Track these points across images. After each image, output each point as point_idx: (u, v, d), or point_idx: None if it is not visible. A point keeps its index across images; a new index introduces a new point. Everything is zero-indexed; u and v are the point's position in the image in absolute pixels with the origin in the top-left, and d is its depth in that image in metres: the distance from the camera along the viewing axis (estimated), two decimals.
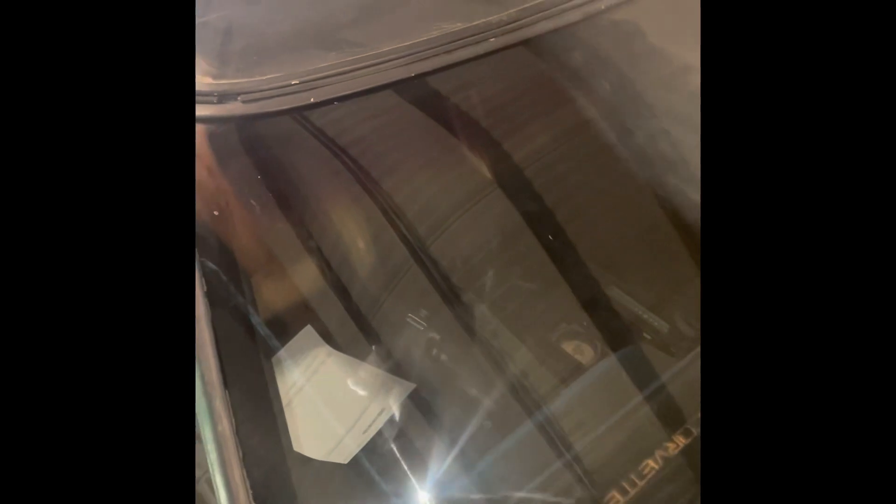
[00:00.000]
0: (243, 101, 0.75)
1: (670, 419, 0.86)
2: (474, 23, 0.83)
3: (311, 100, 0.76)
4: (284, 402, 0.72)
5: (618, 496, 0.79)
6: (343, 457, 0.76)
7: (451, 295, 0.91)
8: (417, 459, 0.82)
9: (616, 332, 0.96)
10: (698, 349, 0.95)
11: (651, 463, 0.82)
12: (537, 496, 0.84)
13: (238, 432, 0.65)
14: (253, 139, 0.79)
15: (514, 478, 0.86)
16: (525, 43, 0.87)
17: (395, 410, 0.83)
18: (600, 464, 0.84)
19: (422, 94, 0.85)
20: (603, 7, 0.87)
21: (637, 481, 0.79)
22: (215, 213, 0.73)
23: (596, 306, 0.96)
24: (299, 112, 0.76)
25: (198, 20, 0.82)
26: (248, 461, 0.65)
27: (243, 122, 0.77)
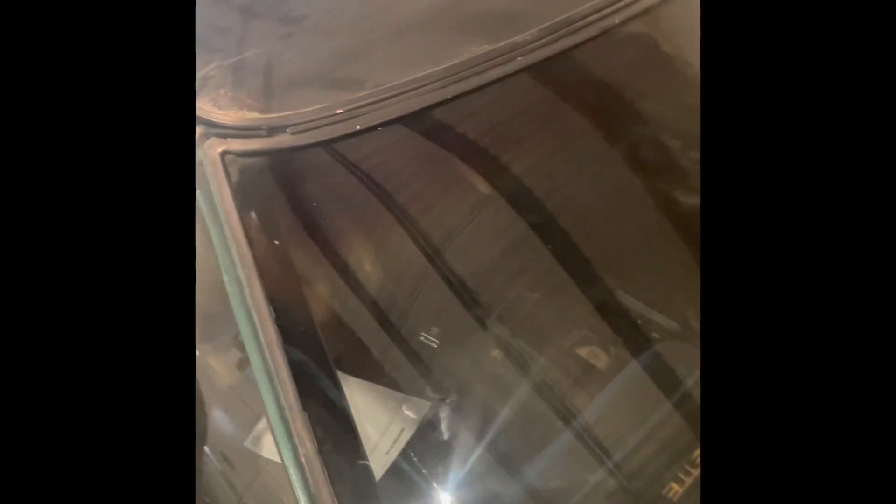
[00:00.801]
0: (292, 133, 0.77)
1: None
2: (501, 43, 0.86)
3: (357, 127, 0.78)
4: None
5: (675, 486, 0.82)
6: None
7: (470, 302, 0.93)
8: (459, 467, 0.85)
9: (629, 335, 1.00)
10: None
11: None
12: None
13: (321, 452, 0.67)
14: (292, 173, 0.82)
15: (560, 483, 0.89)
16: (535, 66, 0.90)
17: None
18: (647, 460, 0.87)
19: (437, 120, 0.89)
20: (618, 21, 0.91)
21: (691, 470, 0.83)
22: (276, 242, 0.75)
23: (606, 310, 0.99)
24: (345, 140, 0.79)
25: (235, 58, 0.85)
26: (332, 477, 0.67)
27: (284, 155, 0.80)
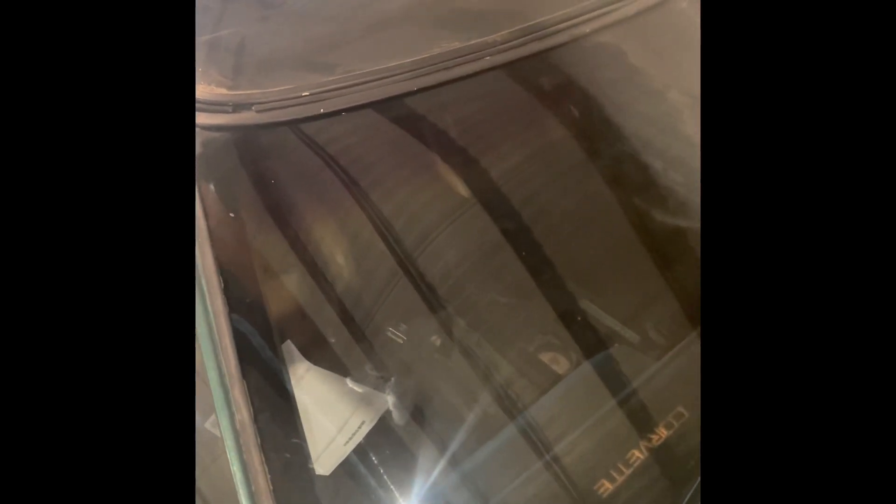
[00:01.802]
0: (257, 111, 0.79)
1: (653, 412, 0.92)
2: (471, 42, 0.89)
3: (321, 110, 0.80)
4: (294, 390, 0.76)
5: (607, 484, 0.84)
6: (327, 466, 0.79)
7: (437, 306, 0.95)
8: (409, 460, 0.86)
9: (590, 344, 1.02)
10: (674, 351, 1.01)
11: (636, 453, 0.87)
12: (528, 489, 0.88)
13: (256, 420, 0.69)
14: (256, 149, 0.84)
15: (498, 478, 0.90)
16: (505, 66, 0.93)
17: (390, 415, 0.87)
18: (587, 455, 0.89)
19: (409, 111, 0.91)
20: (588, 31, 0.94)
21: (624, 469, 0.85)
22: (231, 214, 0.77)
23: (571, 319, 1.01)
24: (309, 122, 0.81)
25: (211, 35, 0.87)
26: (266, 447, 0.68)
27: (250, 132, 0.82)
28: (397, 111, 0.88)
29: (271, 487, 0.67)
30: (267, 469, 0.68)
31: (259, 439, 0.68)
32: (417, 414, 0.88)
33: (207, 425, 0.87)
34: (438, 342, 0.93)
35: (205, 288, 0.72)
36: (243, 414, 0.68)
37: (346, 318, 0.89)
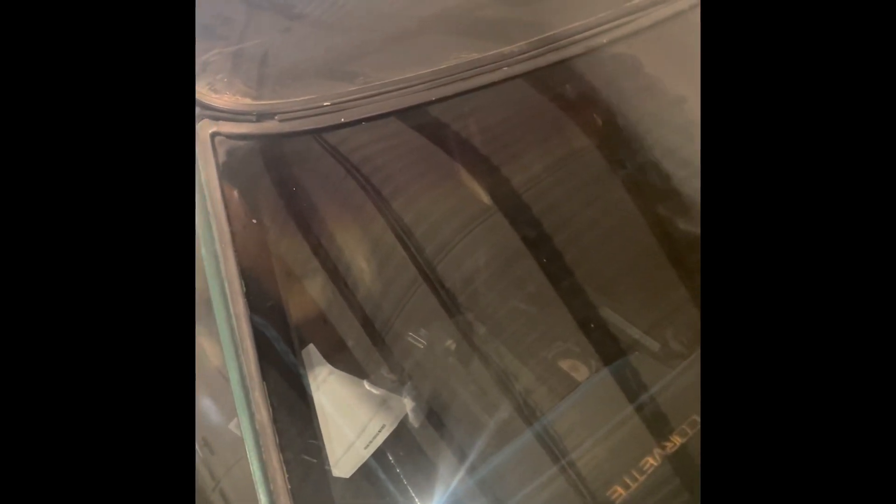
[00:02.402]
0: (280, 120, 0.82)
1: (669, 420, 0.92)
2: (488, 53, 0.91)
3: (342, 119, 0.83)
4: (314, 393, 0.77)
5: (620, 490, 0.84)
6: (346, 470, 0.81)
7: (457, 314, 0.97)
8: (427, 464, 0.87)
9: (610, 352, 1.02)
10: (689, 359, 1.02)
11: (650, 460, 0.88)
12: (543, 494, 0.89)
13: (276, 420, 0.71)
14: (279, 158, 0.86)
15: (513, 483, 0.91)
16: (524, 76, 0.94)
17: (408, 420, 0.88)
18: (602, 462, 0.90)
19: (430, 120, 0.93)
20: (605, 41, 0.95)
21: (638, 476, 0.85)
22: (254, 220, 0.79)
23: (591, 328, 1.02)
24: (331, 131, 0.83)
25: (235, 47, 0.90)
26: (285, 447, 0.70)
27: (274, 141, 0.84)
28: (418, 120, 0.90)
29: (289, 487, 0.69)
30: (285, 469, 0.69)
31: (278, 439, 0.70)
32: (435, 419, 0.89)
33: (232, 426, 0.89)
34: (457, 348, 0.94)
35: (227, 291, 0.74)
36: (262, 415, 0.70)
37: (366, 323, 0.91)
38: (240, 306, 0.74)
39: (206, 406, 0.95)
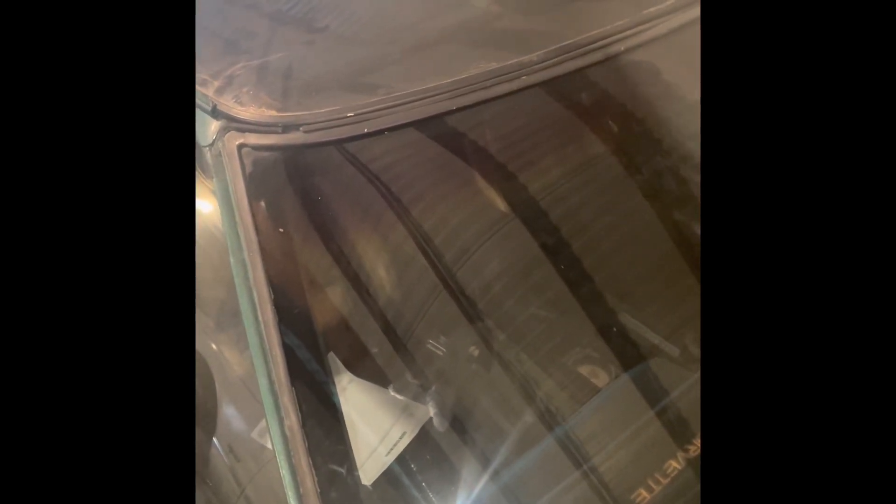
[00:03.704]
0: (304, 131, 0.83)
1: (690, 424, 0.93)
2: (507, 63, 0.92)
3: (365, 130, 0.84)
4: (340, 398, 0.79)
5: (644, 493, 0.85)
6: (370, 476, 0.82)
7: (477, 321, 0.98)
8: (450, 470, 0.88)
9: (630, 357, 1.03)
10: None
11: (674, 463, 0.88)
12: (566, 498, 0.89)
13: (304, 425, 0.72)
14: (303, 168, 0.88)
15: (536, 488, 0.91)
16: (542, 84, 0.96)
17: (430, 423, 0.89)
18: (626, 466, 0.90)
19: (449, 129, 0.94)
20: (622, 48, 0.96)
21: (662, 479, 0.86)
22: (280, 230, 0.81)
23: (611, 333, 1.03)
24: (354, 141, 0.85)
25: (260, 60, 0.92)
26: (313, 452, 0.71)
27: (298, 152, 0.86)
28: (438, 129, 0.92)
29: (318, 490, 0.70)
30: (314, 472, 0.71)
31: (307, 444, 0.71)
32: (458, 425, 0.90)
33: (254, 434, 0.91)
34: (478, 355, 0.95)
35: (256, 299, 0.76)
36: (292, 419, 0.72)
37: (388, 329, 0.92)
38: (268, 313, 0.75)
39: (229, 414, 0.97)
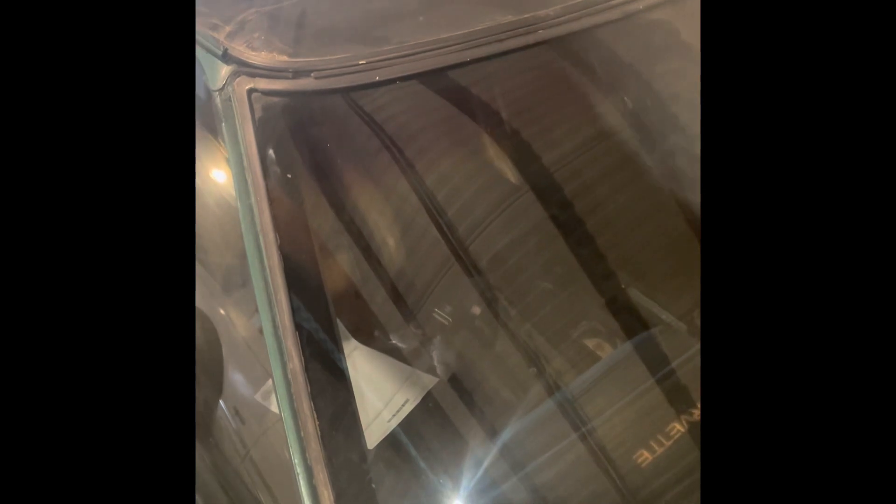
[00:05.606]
0: (315, 77, 0.82)
1: (692, 391, 0.92)
2: (524, 16, 0.90)
3: (377, 78, 0.83)
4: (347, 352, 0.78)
5: (646, 454, 0.84)
6: (372, 440, 0.82)
7: (487, 292, 0.97)
8: (453, 435, 0.88)
9: (636, 331, 1.02)
10: None
11: (677, 426, 0.88)
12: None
13: (307, 369, 0.72)
14: (309, 115, 0.87)
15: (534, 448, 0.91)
16: (556, 40, 0.93)
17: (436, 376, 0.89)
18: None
19: (461, 83, 0.93)
20: (641, 7, 0.94)
21: (665, 441, 0.85)
22: (288, 175, 0.80)
23: (622, 311, 1.02)
24: (364, 89, 0.84)
25: (273, 6, 0.90)
26: (315, 395, 0.71)
27: (304, 99, 0.85)
28: (449, 81, 0.90)
29: (319, 433, 0.70)
30: (316, 416, 0.71)
31: (309, 387, 0.71)
32: (465, 395, 0.90)
33: (258, 397, 0.91)
34: (486, 325, 0.95)
35: (262, 244, 0.75)
36: (295, 363, 0.71)
37: (398, 299, 0.92)
38: (274, 259, 0.75)
39: (235, 378, 0.97)
